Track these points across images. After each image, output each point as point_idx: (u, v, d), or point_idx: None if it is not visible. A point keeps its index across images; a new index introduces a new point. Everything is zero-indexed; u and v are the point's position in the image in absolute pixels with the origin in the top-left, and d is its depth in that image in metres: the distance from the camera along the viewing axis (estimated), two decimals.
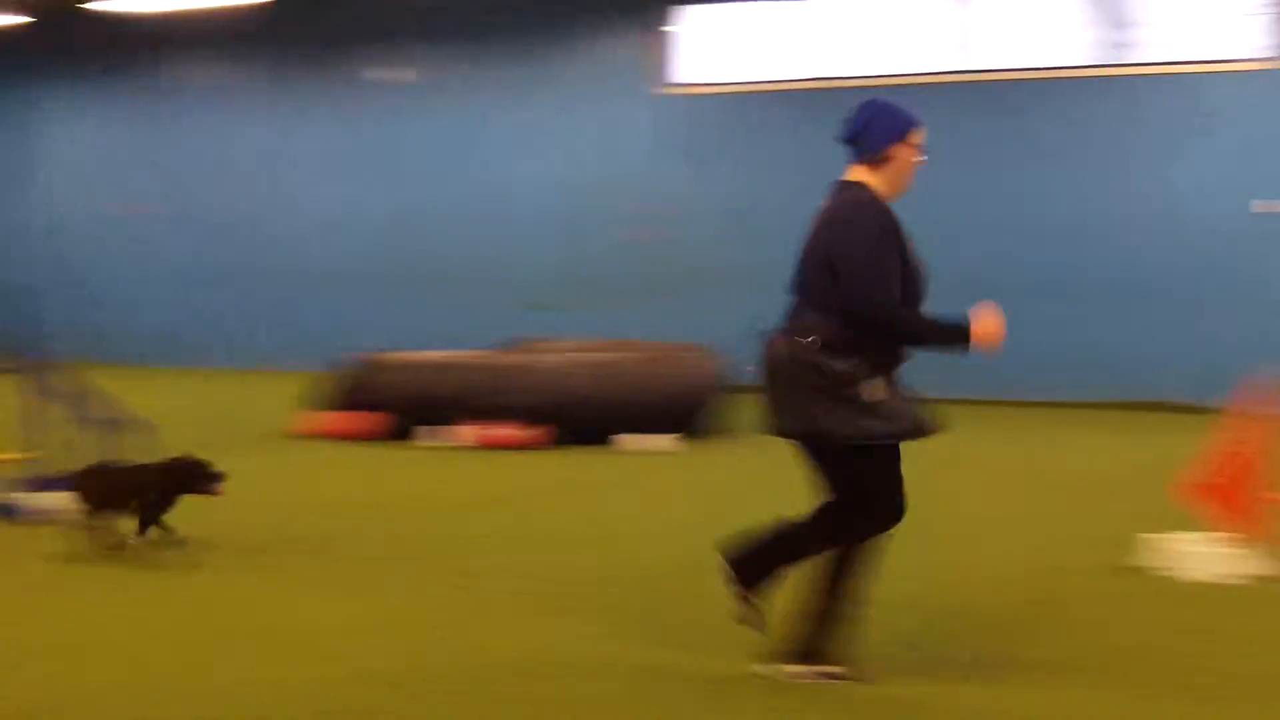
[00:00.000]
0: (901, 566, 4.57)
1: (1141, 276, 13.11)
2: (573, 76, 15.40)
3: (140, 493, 5.75)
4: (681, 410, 9.92)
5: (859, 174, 4.20)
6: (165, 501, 5.75)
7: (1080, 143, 13.51)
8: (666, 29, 14.94)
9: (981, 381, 12.14)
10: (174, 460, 5.84)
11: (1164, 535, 5.66)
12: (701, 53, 14.92)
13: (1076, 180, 13.48)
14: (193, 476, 5.75)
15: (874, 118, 4.18)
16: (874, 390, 4.03)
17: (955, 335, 4.09)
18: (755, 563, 4.22)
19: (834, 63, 14.27)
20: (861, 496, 4.08)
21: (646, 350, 10.43)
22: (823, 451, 4.09)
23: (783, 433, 4.13)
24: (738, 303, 11.16)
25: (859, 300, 4.03)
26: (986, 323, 4.08)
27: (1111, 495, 7.56)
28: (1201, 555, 5.48)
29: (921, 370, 4.33)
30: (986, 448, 9.54)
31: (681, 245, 14.59)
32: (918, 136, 4.17)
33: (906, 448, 4.09)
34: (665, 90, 14.99)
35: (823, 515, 4.12)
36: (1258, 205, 12.66)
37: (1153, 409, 12.50)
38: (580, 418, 9.69)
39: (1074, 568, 5.65)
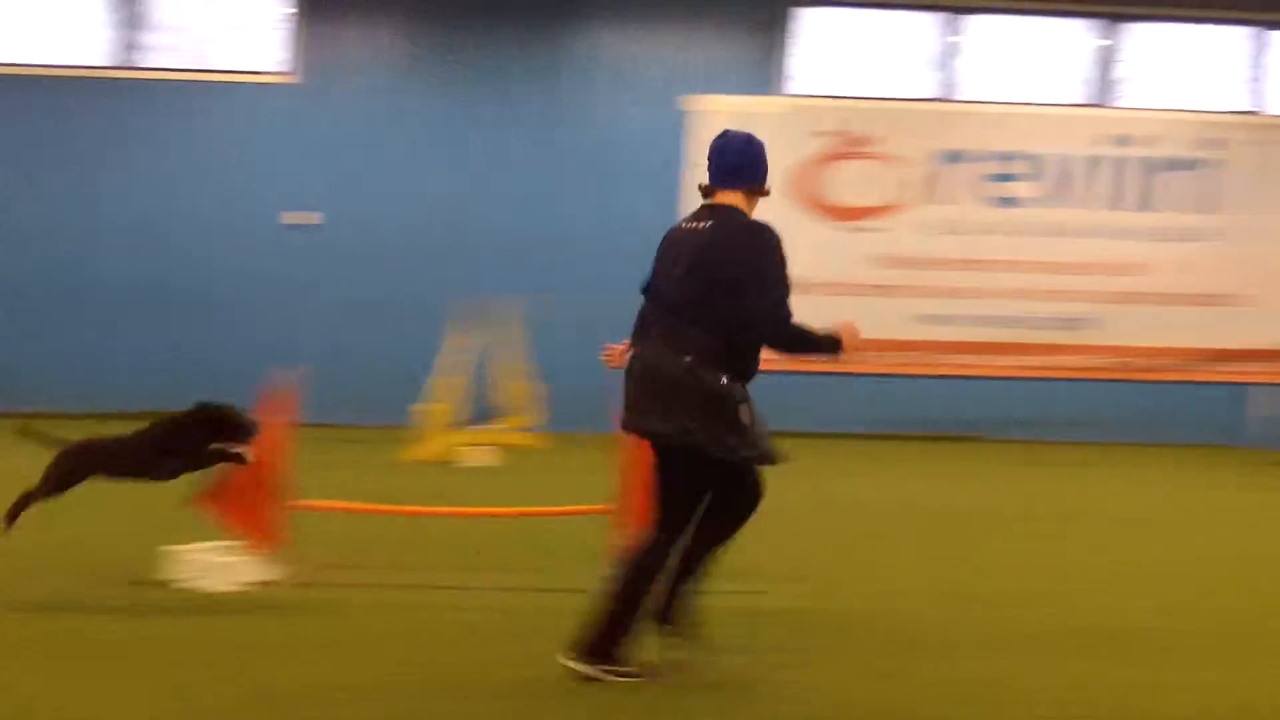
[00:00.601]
0: None
1: (172, 283, 12.93)
2: None
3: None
4: None
5: (732, 199, 4.52)
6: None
7: (100, 144, 13.03)
8: None
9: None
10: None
11: (187, 547, 5.59)
12: None
13: (97, 184, 13.02)
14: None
15: (761, 155, 4.59)
16: (747, 413, 4.32)
17: (835, 344, 4.45)
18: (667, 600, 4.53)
19: None
20: (692, 503, 4.44)
21: None
22: (685, 459, 4.35)
23: (650, 434, 4.42)
24: None
25: (771, 315, 4.33)
26: (850, 331, 4.46)
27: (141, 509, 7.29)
28: (220, 565, 5.48)
29: None
30: None
31: None
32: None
33: None
34: None
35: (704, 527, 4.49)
36: (288, 217, 13.09)
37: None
38: None
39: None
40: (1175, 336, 13.26)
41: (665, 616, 4.60)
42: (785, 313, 4.39)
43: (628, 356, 4.57)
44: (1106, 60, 13.35)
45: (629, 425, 4.55)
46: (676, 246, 4.55)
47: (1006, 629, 5.32)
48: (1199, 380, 13.34)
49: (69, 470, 5.25)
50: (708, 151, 4.66)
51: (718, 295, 4.38)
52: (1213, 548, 7.63)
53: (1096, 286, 13.25)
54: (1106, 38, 13.33)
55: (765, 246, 4.42)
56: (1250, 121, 13.28)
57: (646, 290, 4.61)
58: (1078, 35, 13.49)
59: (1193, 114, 13.32)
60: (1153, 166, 13.25)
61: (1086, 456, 12.25)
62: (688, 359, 4.36)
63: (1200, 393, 13.36)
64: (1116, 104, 13.36)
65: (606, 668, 4.31)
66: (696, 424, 4.34)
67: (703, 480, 4.48)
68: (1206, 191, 13.25)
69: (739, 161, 4.62)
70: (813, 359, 4.80)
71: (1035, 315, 13.29)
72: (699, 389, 4.34)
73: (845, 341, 4.52)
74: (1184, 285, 13.25)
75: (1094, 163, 13.27)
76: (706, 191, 4.64)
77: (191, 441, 5.28)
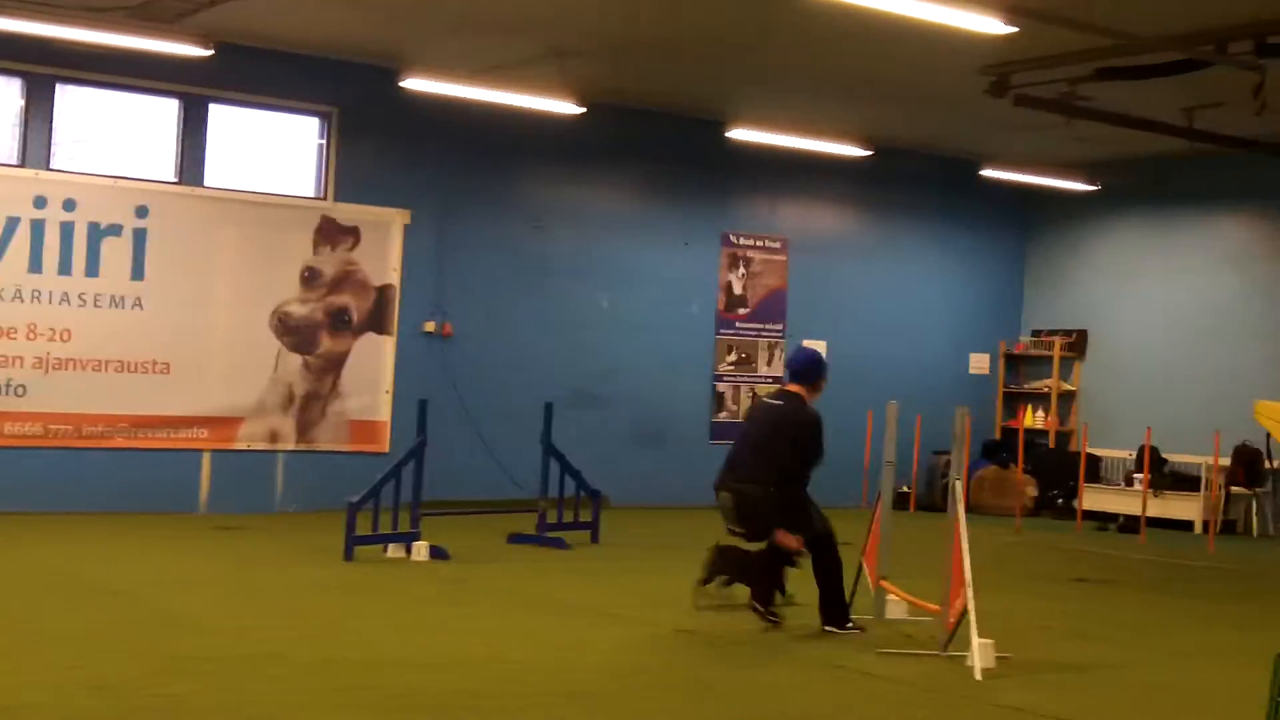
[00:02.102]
0: None
1: None
2: None
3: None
4: None
5: (795, 389, 8.47)
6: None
7: None
8: None
9: None
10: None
11: None
12: None
13: None
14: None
15: (816, 362, 8.63)
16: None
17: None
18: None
19: None
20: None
21: None
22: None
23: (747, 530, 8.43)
24: None
25: (806, 468, 8.44)
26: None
27: None
28: None
29: None
30: None
31: None
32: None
33: None
34: None
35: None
36: None
37: None
38: None
39: None
40: (110, 404, 13.23)
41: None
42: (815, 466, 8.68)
43: None
44: (35, 121, 13.05)
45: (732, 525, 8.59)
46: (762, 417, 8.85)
47: None
48: (149, 448, 13.41)
49: None
50: None
51: (783, 451, 8.44)
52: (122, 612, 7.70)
53: (23, 352, 12.85)
54: (36, 98, 13.03)
55: (813, 425, 8.57)
56: (177, 191, 13.69)
57: None
58: (3, 93, 13.04)
59: (124, 180, 13.44)
60: (83, 231, 13.15)
61: (34, 525, 11.85)
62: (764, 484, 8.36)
63: (153, 460, 13.44)
64: (46, 166, 13.09)
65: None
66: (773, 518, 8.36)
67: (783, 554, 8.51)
68: (135, 258, 13.41)
69: (798, 367, 8.77)
70: None
71: None
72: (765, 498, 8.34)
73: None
74: (116, 352, 13.27)
75: (16, 225, 12.89)
76: None
77: None
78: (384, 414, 14.63)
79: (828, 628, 8.38)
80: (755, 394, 8.95)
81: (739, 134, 15.02)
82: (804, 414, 8.41)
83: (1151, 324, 17.94)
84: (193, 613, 8.15)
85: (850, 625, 8.41)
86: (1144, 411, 16.94)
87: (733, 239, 17.10)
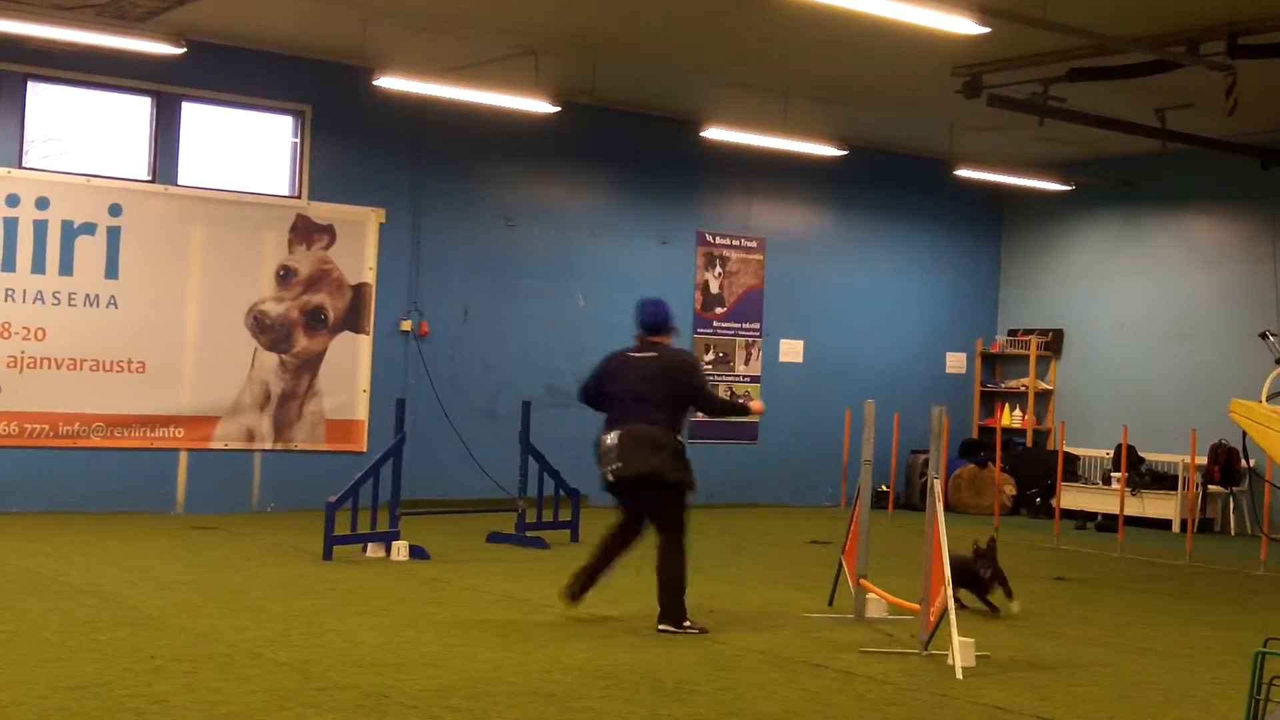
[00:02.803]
0: None
1: None
2: None
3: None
4: None
5: (662, 338, 8.47)
6: None
7: None
8: None
9: None
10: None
11: None
12: None
13: None
14: None
15: (667, 310, 8.55)
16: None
17: (743, 409, 9.98)
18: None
19: None
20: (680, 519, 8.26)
21: None
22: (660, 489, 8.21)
23: (638, 474, 8.13)
24: None
25: (714, 402, 8.94)
26: (756, 402, 11.22)
27: None
28: None
29: None
30: None
31: None
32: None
33: None
34: None
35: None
36: None
37: None
38: None
39: None
40: (86, 403, 13.14)
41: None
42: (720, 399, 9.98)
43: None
44: (6, 119, 12.95)
45: (622, 470, 8.19)
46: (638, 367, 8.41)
47: None
48: (124, 447, 13.33)
49: None
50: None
51: (675, 394, 8.35)
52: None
53: None
54: (7, 96, 12.93)
55: (695, 367, 8.85)
56: (150, 189, 13.61)
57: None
58: None
59: (97, 179, 13.36)
60: (56, 230, 13.06)
61: (8, 525, 11.76)
62: (658, 425, 8.19)
63: (129, 460, 13.36)
64: (18, 165, 13.00)
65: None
66: (664, 464, 8.14)
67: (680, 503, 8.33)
68: (109, 257, 13.33)
69: (655, 320, 8.49)
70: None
71: None
72: (665, 442, 8.16)
73: (752, 406, 9.71)
74: (91, 351, 13.19)
75: None
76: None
77: None
78: (361, 413, 14.58)
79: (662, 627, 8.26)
80: (624, 357, 8.42)
81: (714, 133, 15.01)
82: (690, 358, 8.96)
83: (1126, 323, 18.02)
84: (169, 613, 8.10)
85: (688, 626, 8.25)
86: (1120, 410, 17.02)
87: (709, 238, 17.10)
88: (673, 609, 8.16)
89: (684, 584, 8.20)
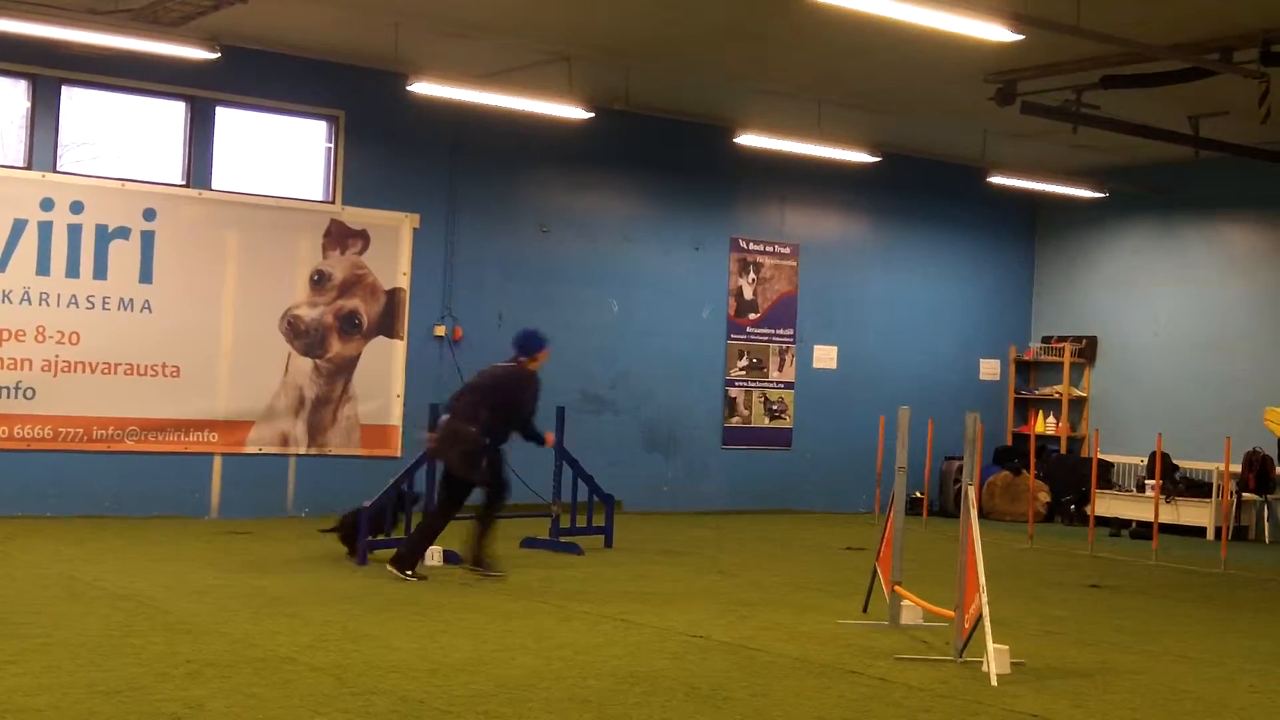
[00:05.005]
0: None
1: None
2: None
3: None
4: None
5: (525, 359, 10.51)
6: None
7: None
8: None
9: None
10: None
11: None
12: None
13: None
14: None
15: (532, 336, 10.64)
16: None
17: (539, 438, 10.81)
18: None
19: None
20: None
21: None
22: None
23: (443, 458, 10.40)
24: None
25: (530, 417, 10.48)
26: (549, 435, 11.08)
27: None
28: None
29: None
30: None
31: None
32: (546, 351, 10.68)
33: None
34: None
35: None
36: None
37: None
38: None
39: None
40: (120, 407, 13.21)
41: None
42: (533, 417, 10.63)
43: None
44: (41, 123, 13.04)
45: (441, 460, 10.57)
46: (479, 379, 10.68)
47: None
48: (159, 451, 13.40)
49: None
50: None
51: (497, 404, 10.39)
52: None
53: (32, 354, 12.85)
54: (42, 100, 13.03)
55: (530, 385, 10.51)
56: (184, 194, 13.68)
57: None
58: (9, 96, 13.05)
59: (131, 183, 13.44)
60: (90, 234, 13.14)
61: (43, 529, 11.82)
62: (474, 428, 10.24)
63: (163, 464, 13.42)
64: (53, 169, 13.08)
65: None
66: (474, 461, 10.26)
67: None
68: (143, 261, 13.40)
69: (521, 344, 10.58)
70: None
71: None
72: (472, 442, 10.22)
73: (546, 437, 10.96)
74: (125, 355, 13.26)
75: (24, 227, 12.89)
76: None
77: None
78: (395, 418, 14.62)
79: (390, 566, 10.03)
80: (487, 367, 11.10)
81: (747, 140, 14.99)
82: (525, 375, 10.51)
83: (1161, 330, 17.89)
84: (205, 617, 8.12)
85: (410, 574, 9.95)
86: (1155, 417, 16.90)
87: (742, 244, 17.07)
88: (409, 555, 10.08)
89: (429, 544, 10.45)
